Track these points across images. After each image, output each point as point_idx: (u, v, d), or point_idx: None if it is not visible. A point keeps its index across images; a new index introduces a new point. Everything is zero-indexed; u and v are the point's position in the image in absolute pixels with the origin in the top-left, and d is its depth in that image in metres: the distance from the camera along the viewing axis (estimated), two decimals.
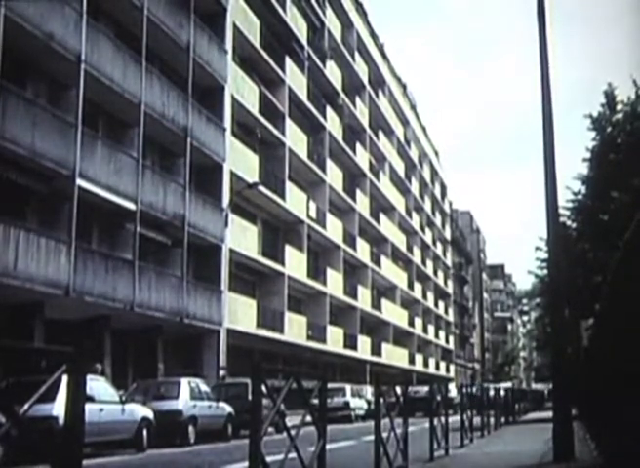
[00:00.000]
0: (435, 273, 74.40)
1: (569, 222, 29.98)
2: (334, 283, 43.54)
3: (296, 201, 38.62)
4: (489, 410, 20.81)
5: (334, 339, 42.53)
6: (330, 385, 15.97)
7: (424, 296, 68.25)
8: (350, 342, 45.43)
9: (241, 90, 33.36)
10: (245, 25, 34.26)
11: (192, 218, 28.32)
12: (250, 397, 5.68)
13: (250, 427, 5.34)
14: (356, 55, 52.67)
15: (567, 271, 14.88)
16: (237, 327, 31.13)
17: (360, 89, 53.66)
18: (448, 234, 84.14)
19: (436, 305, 73.44)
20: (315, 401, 6.68)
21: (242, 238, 32.47)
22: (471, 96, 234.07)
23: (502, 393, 25.67)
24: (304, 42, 42.25)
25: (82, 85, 22.45)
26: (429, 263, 71.88)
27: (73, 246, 21.44)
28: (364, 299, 49.18)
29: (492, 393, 23.17)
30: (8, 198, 20.34)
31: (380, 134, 57.52)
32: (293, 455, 5.85)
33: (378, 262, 53.38)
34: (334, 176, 45.25)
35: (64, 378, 3.43)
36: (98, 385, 15.76)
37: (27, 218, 21.90)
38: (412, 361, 60.50)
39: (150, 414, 17.73)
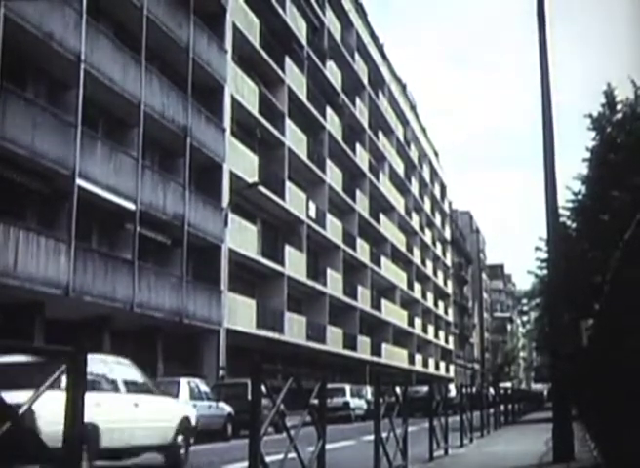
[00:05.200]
0: (435, 273, 74.39)
1: (569, 222, 29.99)
2: (333, 283, 43.54)
3: (295, 201, 38.62)
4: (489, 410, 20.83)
5: (333, 339, 42.53)
6: (329, 385, 15.96)
7: (424, 296, 68.25)
8: (350, 342, 45.42)
9: (241, 90, 33.37)
10: (245, 25, 34.27)
11: (192, 218, 28.32)
12: (249, 397, 5.68)
13: (250, 427, 5.34)
14: (356, 55, 52.69)
15: (567, 271, 14.87)
16: (237, 327, 31.13)
17: (360, 89, 53.66)
18: (448, 234, 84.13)
19: (436, 305, 73.43)
20: (315, 401, 6.68)
21: (242, 238, 32.47)
22: (471, 95, 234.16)
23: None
24: (304, 42, 42.26)
25: (82, 85, 22.47)
26: (429, 263, 71.87)
27: (73, 245, 21.44)
28: (364, 299, 49.18)
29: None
30: (8, 198, 20.34)
31: (380, 134, 57.53)
32: (292, 455, 5.85)
33: (377, 262, 53.38)
34: (333, 176, 45.25)
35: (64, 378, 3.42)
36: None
37: (27, 218, 21.90)
38: (411, 361, 60.49)
39: None
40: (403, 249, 61.19)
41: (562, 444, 10.71)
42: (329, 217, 43.79)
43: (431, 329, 70.12)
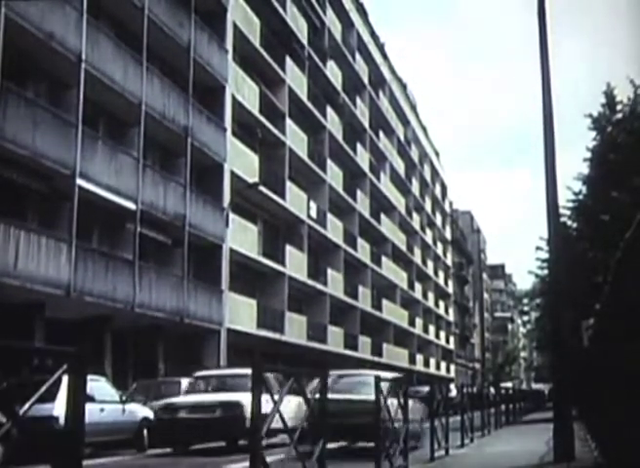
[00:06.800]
0: (436, 273, 74.36)
1: (569, 222, 30.02)
2: (334, 283, 43.51)
3: (296, 201, 38.61)
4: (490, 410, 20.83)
5: (334, 339, 42.52)
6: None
7: (425, 296, 68.21)
8: (351, 342, 45.41)
9: (241, 89, 33.35)
10: (245, 25, 34.26)
11: (193, 218, 28.32)
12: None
13: (250, 427, 5.33)
14: (356, 54, 52.66)
15: (567, 271, 14.87)
16: (237, 327, 31.12)
17: (360, 89, 53.64)
18: (448, 234, 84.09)
19: (437, 305, 73.40)
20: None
21: (242, 238, 32.46)
22: (472, 95, 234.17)
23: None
24: (305, 42, 42.24)
25: (82, 85, 22.46)
26: (430, 263, 71.84)
27: (74, 245, 21.44)
28: (364, 299, 49.15)
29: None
30: (8, 198, 20.33)
31: (381, 133, 57.50)
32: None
33: (378, 262, 53.35)
34: (334, 176, 45.23)
35: (65, 379, 3.42)
36: (98, 385, 15.75)
37: (28, 218, 21.90)
38: (412, 361, 60.46)
39: (151, 414, 17.71)
40: (404, 248, 61.16)
41: (563, 443, 10.72)
42: (329, 217, 43.77)
43: (432, 328, 70.08)
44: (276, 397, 5.61)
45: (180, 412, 16.05)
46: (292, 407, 15.39)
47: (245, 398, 12.20)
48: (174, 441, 16.59)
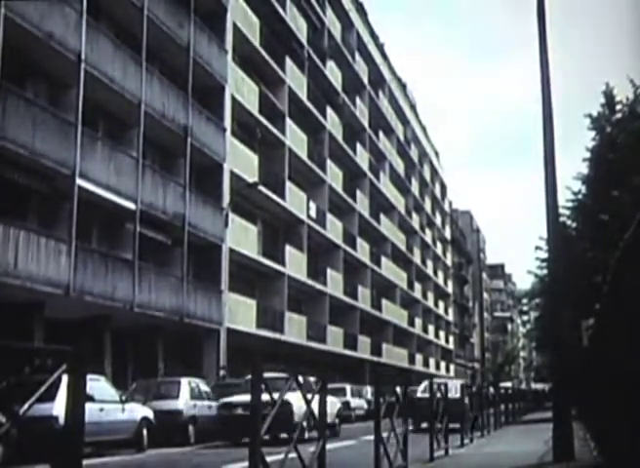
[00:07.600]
0: (435, 273, 74.36)
1: (569, 222, 30.01)
2: (334, 283, 43.52)
3: (296, 201, 38.61)
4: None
5: (334, 339, 42.53)
6: (330, 385, 16.00)
7: (424, 296, 68.22)
8: (350, 342, 45.42)
9: (241, 89, 33.35)
10: (245, 25, 34.25)
11: (192, 218, 28.32)
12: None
13: (250, 427, 5.33)
14: (356, 54, 52.66)
15: (567, 271, 14.87)
16: (237, 326, 31.12)
17: (360, 88, 53.64)
18: (448, 234, 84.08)
19: (436, 305, 73.40)
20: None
21: (242, 238, 32.46)
22: (471, 95, 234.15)
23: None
24: (304, 42, 42.23)
25: (82, 85, 22.46)
26: (429, 263, 71.85)
27: (73, 245, 21.44)
28: (364, 299, 49.16)
29: None
30: (8, 198, 20.33)
31: (381, 133, 57.50)
32: (293, 455, 5.85)
33: (377, 262, 53.36)
34: (334, 176, 45.24)
35: (64, 378, 3.42)
36: (98, 385, 15.76)
37: (27, 218, 21.90)
38: (412, 361, 60.49)
39: (150, 414, 17.73)
40: (403, 248, 61.17)
41: (562, 443, 10.72)
42: (329, 217, 43.77)
43: (431, 328, 70.10)
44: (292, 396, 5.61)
45: (236, 410, 18.11)
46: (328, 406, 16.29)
47: (292, 397, 14.33)
48: (232, 434, 18.57)
